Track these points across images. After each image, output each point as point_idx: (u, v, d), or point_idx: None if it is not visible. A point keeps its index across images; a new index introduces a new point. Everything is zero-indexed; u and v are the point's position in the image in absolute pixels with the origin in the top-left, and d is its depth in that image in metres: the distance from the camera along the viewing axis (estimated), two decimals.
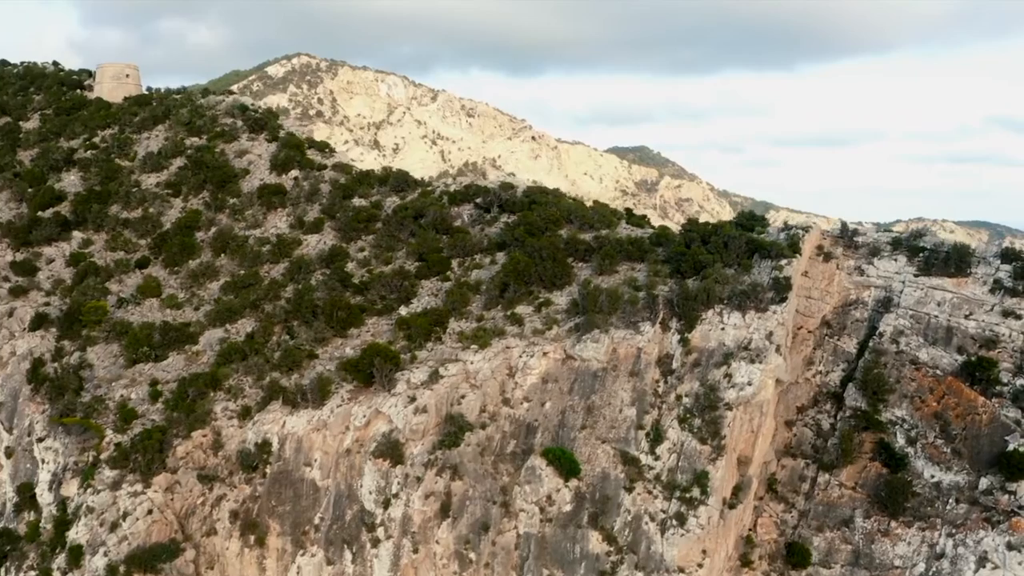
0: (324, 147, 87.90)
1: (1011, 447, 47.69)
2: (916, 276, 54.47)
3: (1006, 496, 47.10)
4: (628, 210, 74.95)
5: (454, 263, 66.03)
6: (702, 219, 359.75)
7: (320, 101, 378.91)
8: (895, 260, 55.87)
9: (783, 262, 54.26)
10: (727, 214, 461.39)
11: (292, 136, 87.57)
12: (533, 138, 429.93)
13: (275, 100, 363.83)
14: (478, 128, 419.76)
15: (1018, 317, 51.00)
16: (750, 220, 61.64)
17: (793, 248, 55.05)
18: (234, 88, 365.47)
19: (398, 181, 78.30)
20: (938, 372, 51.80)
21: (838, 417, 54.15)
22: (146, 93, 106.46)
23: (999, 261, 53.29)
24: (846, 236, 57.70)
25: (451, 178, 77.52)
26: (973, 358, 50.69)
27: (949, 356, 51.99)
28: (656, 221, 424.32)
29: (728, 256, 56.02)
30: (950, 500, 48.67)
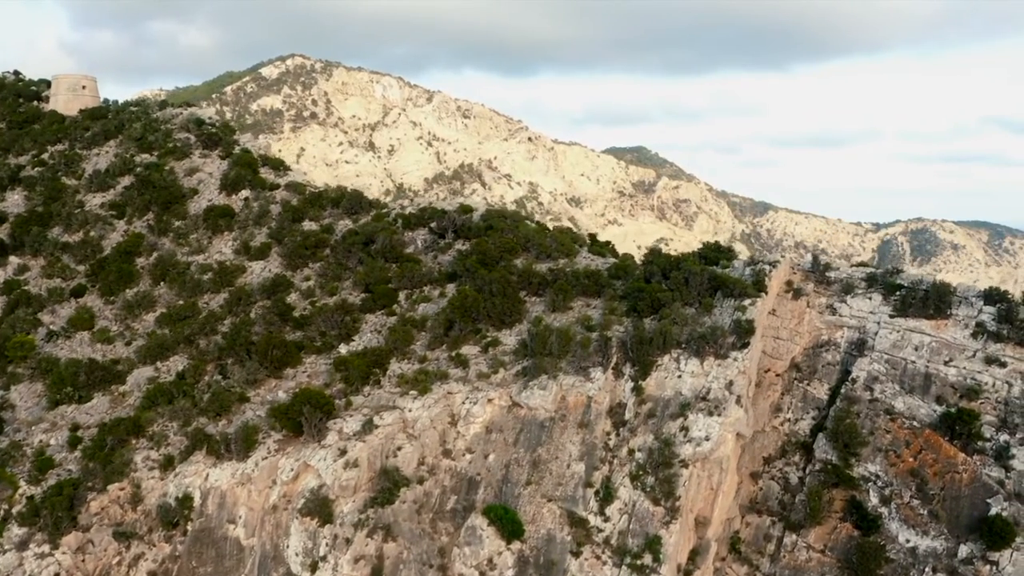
0: (279, 165, 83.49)
1: (993, 511, 43.21)
2: (892, 317, 49.95)
3: (987, 566, 42.60)
4: (592, 235, 70.54)
5: (401, 295, 61.62)
6: (700, 219, 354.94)
7: (314, 103, 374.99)
8: (869, 299, 51.33)
9: (747, 302, 49.75)
10: (726, 214, 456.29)
11: (246, 153, 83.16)
12: (530, 139, 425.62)
13: (269, 102, 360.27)
14: (474, 129, 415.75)
15: (1002, 365, 46.47)
16: (715, 252, 57.11)
17: (758, 286, 50.55)
18: (227, 90, 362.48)
19: (351, 202, 73.88)
20: (915, 424, 47.31)
21: (807, 470, 49.69)
22: (102, 106, 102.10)
23: (982, 302, 48.70)
24: (817, 271, 53.19)
25: (409, 199, 73.03)
26: (953, 409, 46.21)
27: (927, 406, 47.50)
28: (654, 222, 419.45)
29: (688, 294, 51.55)
30: (926, 568, 44.16)
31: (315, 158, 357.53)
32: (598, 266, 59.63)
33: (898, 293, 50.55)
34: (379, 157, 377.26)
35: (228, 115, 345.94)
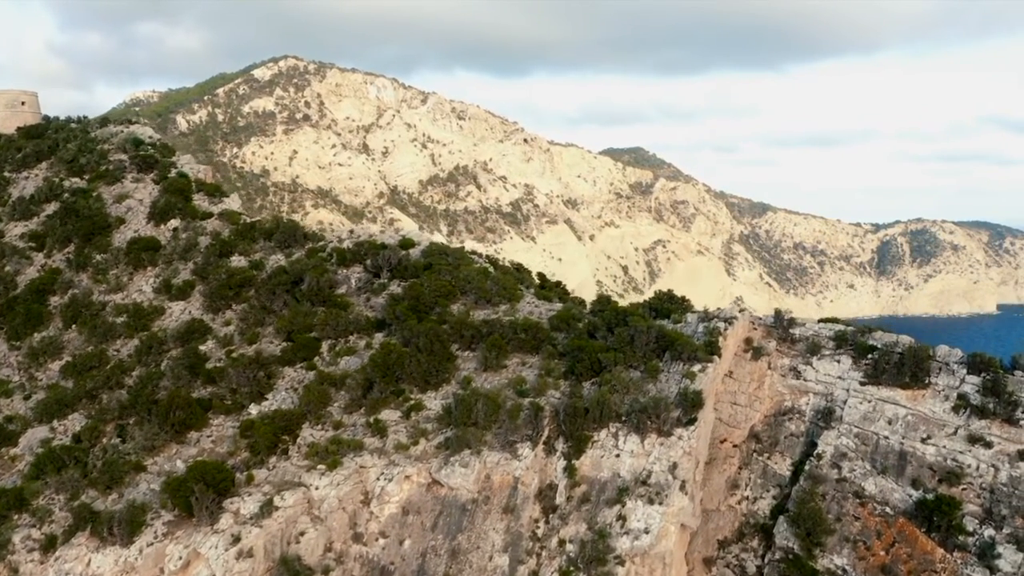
0: (215, 191, 77.28)
1: None
2: (863, 384, 43.70)
3: None
4: (541, 275, 64.54)
5: (325, 346, 55.53)
6: (698, 221, 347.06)
7: (307, 104, 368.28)
8: (838, 361, 45.07)
9: (696, 368, 43.54)
10: (724, 215, 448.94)
11: (180, 178, 77.00)
12: (525, 140, 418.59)
13: (261, 103, 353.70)
14: (469, 131, 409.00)
15: (988, 445, 40.22)
16: (667, 304, 50.90)
17: (711, 348, 44.29)
18: (219, 92, 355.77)
19: (285, 235, 67.74)
20: (888, 510, 41.13)
21: (766, 559, 43.54)
22: (42, 123, 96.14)
23: (964, 370, 42.36)
24: (780, 327, 46.95)
25: (349, 231, 67.03)
26: (930, 496, 40.03)
27: (901, 490, 41.29)
28: (651, 224, 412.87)
29: (633, 355, 45.37)
30: None
31: (308, 160, 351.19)
32: (540, 315, 53.44)
33: (870, 356, 44.28)
34: (373, 159, 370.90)
35: (220, 117, 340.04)
